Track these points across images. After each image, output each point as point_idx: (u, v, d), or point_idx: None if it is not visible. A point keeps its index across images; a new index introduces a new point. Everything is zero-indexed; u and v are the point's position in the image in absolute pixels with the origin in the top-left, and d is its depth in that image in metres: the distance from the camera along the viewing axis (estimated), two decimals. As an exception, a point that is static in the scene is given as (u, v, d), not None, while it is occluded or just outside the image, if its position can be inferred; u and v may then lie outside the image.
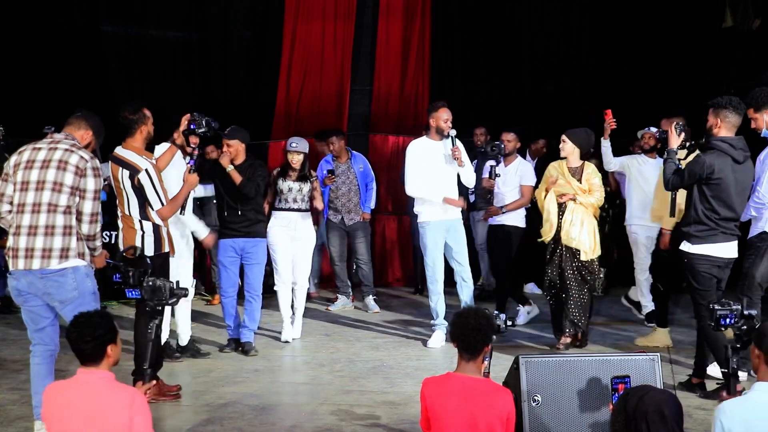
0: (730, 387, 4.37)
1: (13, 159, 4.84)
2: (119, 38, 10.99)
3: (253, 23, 11.27)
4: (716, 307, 4.45)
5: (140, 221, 5.65)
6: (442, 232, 7.27)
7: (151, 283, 4.33)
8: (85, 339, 3.62)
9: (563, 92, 11.58)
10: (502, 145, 7.77)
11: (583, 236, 7.03)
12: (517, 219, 7.95)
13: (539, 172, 9.84)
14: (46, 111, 10.45)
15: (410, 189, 7.41)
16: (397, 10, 10.93)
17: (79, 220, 4.77)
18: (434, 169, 7.24)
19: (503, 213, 7.88)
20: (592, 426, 4.44)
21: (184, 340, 6.92)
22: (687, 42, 11.23)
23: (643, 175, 7.87)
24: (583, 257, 7.03)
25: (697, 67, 11.23)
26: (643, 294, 8.16)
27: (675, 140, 5.93)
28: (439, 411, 3.80)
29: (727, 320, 4.40)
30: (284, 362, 7.02)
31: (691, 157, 6.05)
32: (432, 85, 11.15)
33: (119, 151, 5.70)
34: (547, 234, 7.14)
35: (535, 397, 4.43)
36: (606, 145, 7.75)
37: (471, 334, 3.85)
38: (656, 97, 11.23)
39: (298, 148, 7.39)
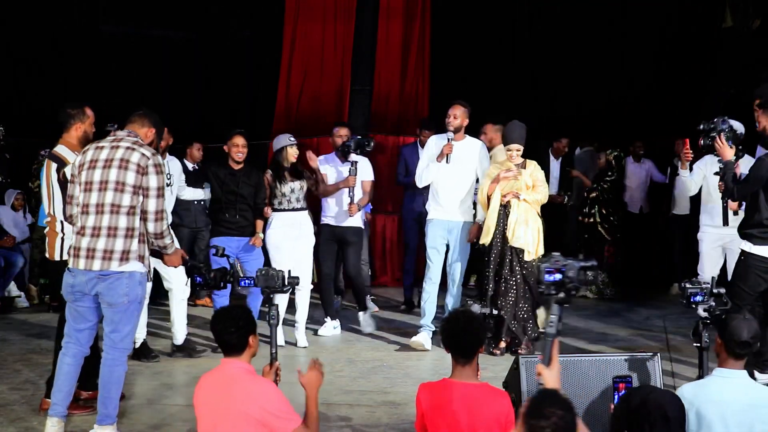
0: (703, 363, 4.46)
1: (78, 159, 4.80)
2: (119, 38, 10.99)
3: (253, 23, 11.28)
4: (687, 285, 4.53)
5: (62, 222, 5.38)
6: (443, 232, 7.22)
7: (264, 271, 4.38)
8: (229, 330, 3.80)
9: (563, 92, 11.60)
10: (368, 141, 7.62)
11: (528, 236, 6.90)
12: (359, 220, 7.87)
13: (562, 171, 9.88)
14: (47, 111, 10.47)
15: (418, 180, 7.40)
16: (397, 10, 10.93)
17: (144, 219, 4.72)
18: (444, 165, 7.16)
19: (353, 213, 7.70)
20: (592, 426, 4.44)
21: (179, 340, 6.93)
22: (687, 42, 11.24)
23: (707, 177, 7.12)
24: (526, 257, 6.89)
25: (697, 67, 11.24)
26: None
27: (728, 151, 5.68)
28: (436, 420, 3.74)
29: (698, 297, 4.49)
30: (284, 362, 6.97)
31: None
32: (432, 85, 11.15)
33: (56, 147, 5.47)
34: (487, 235, 6.98)
35: (535, 397, 4.43)
36: (686, 175, 7.03)
37: (463, 338, 3.78)
38: (656, 97, 11.25)
39: (294, 141, 7.45)
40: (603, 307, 9.38)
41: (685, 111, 10.72)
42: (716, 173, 5.93)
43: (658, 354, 4.65)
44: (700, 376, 4.33)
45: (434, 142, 7.32)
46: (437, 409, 3.74)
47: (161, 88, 10.99)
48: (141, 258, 4.73)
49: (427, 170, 7.24)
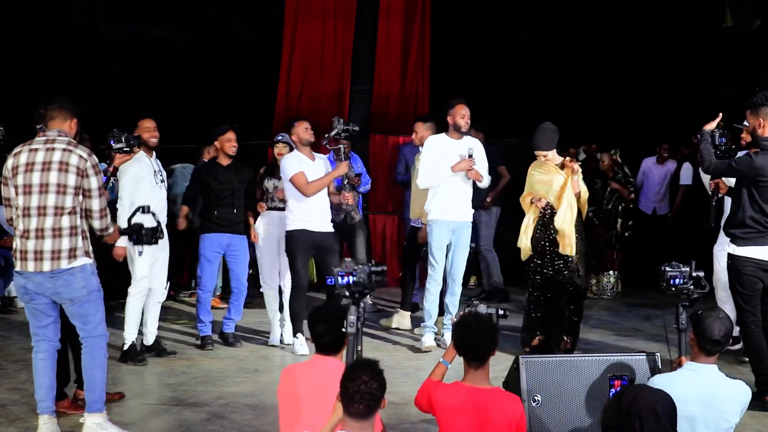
0: (681, 344, 4.51)
1: (10, 162, 4.82)
2: (119, 38, 10.99)
3: (253, 23, 11.28)
4: (667, 268, 4.58)
5: None
6: (447, 232, 7.18)
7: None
8: (333, 332, 3.86)
9: (563, 92, 11.60)
10: (354, 126, 7.16)
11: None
12: (330, 223, 7.22)
13: None
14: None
15: (421, 182, 7.27)
16: (397, 10, 10.93)
17: (89, 217, 4.83)
18: (441, 168, 7.11)
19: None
20: (592, 426, 4.44)
21: (149, 340, 6.92)
22: (687, 42, 11.25)
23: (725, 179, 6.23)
24: (566, 251, 6.76)
25: (697, 67, 11.24)
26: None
27: (710, 123, 5.65)
28: (447, 423, 3.73)
29: (677, 281, 4.53)
30: (284, 362, 6.99)
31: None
32: (432, 85, 11.16)
33: None
34: (524, 249, 6.90)
35: (535, 397, 4.44)
36: (702, 173, 6.46)
37: (476, 342, 3.77)
38: (656, 97, 11.26)
39: (285, 139, 7.40)
40: (603, 307, 9.39)
41: (684, 111, 10.74)
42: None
43: (658, 354, 4.65)
44: (678, 357, 4.39)
45: (435, 144, 7.22)
46: (448, 413, 3.73)
47: (161, 88, 10.98)
48: (87, 253, 4.81)
49: (432, 176, 7.14)
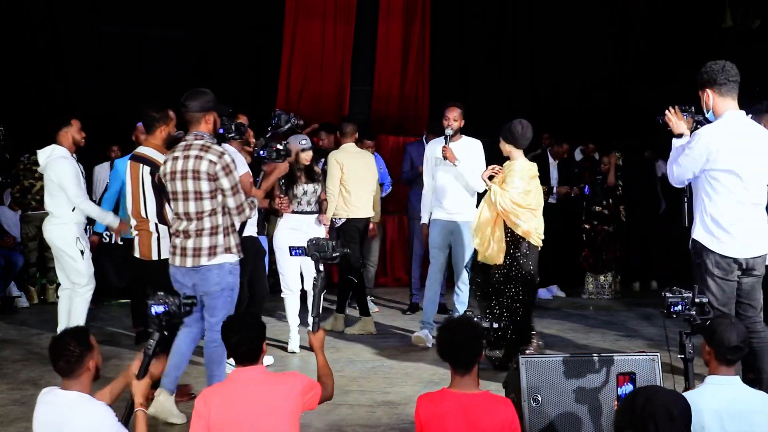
0: (690, 374, 4.31)
1: (161, 170, 5.17)
2: (119, 38, 10.99)
3: (253, 23, 11.28)
4: (667, 294, 4.33)
5: (156, 224, 5.74)
6: (445, 232, 7.21)
7: (315, 241, 4.57)
8: (246, 342, 3.79)
9: (562, 92, 11.61)
10: (295, 117, 6.76)
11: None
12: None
13: (561, 174, 9.86)
14: (47, 111, 10.47)
15: (425, 189, 7.48)
16: (397, 10, 10.95)
17: (229, 213, 5.07)
18: (438, 169, 7.23)
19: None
20: (592, 426, 4.45)
21: None
22: (687, 42, 11.25)
23: None
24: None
25: (697, 67, 11.24)
26: None
27: (679, 125, 5.39)
28: None
29: (678, 307, 4.33)
30: (284, 363, 7.00)
31: None
32: (432, 85, 11.17)
33: (140, 149, 5.86)
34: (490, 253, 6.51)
35: (536, 397, 4.44)
36: None
37: (461, 348, 3.67)
38: (656, 98, 11.25)
39: (307, 145, 7.09)
40: (603, 307, 9.39)
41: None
42: None
43: (658, 354, 4.65)
44: (687, 389, 4.15)
45: (431, 147, 7.38)
46: (436, 420, 3.63)
47: (161, 88, 10.97)
48: (228, 249, 5.06)
49: (428, 179, 7.34)
